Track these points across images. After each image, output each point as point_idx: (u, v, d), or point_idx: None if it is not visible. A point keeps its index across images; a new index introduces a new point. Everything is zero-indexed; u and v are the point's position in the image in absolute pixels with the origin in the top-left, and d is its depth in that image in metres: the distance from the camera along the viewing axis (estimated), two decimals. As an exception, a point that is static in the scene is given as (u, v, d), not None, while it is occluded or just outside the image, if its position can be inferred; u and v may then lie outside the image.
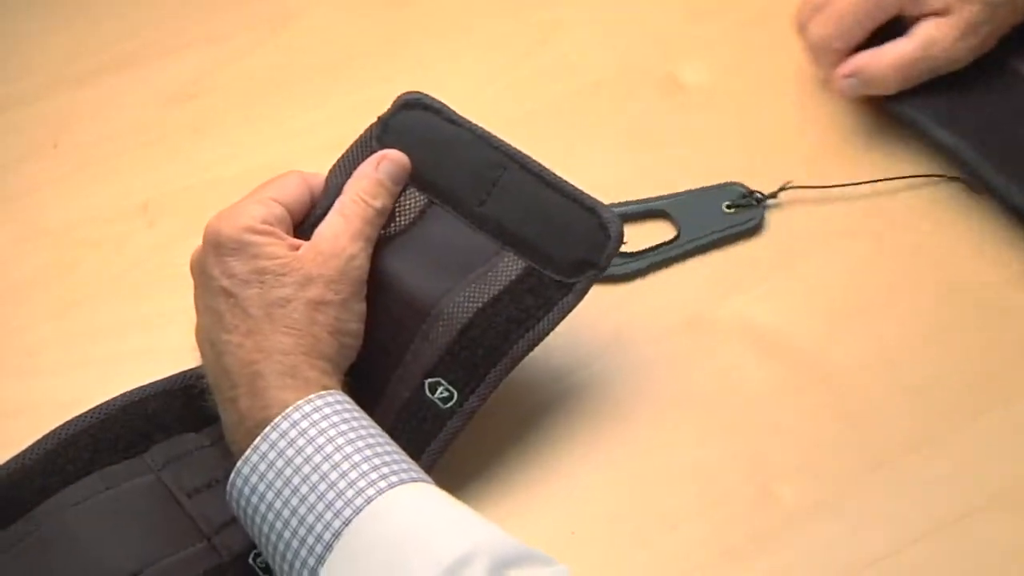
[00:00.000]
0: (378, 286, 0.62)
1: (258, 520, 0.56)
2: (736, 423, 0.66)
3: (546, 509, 0.63)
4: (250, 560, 0.59)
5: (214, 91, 0.81)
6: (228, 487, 0.57)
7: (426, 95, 0.66)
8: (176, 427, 0.64)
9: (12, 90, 0.81)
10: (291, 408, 0.56)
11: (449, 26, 0.84)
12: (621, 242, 0.63)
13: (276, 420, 0.56)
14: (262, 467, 0.55)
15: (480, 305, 0.62)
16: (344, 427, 0.56)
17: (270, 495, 0.55)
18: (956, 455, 0.64)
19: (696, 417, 0.66)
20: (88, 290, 0.73)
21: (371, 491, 0.54)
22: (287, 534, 0.54)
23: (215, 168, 0.77)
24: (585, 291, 0.63)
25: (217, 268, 0.60)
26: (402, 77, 0.77)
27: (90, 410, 0.64)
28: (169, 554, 0.59)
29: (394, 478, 0.54)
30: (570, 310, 0.62)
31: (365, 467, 0.54)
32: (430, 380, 0.61)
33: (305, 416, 0.56)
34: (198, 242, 0.63)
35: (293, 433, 0.55)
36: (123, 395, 0.65)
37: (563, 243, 0.62)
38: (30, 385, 0.69)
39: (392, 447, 0.56)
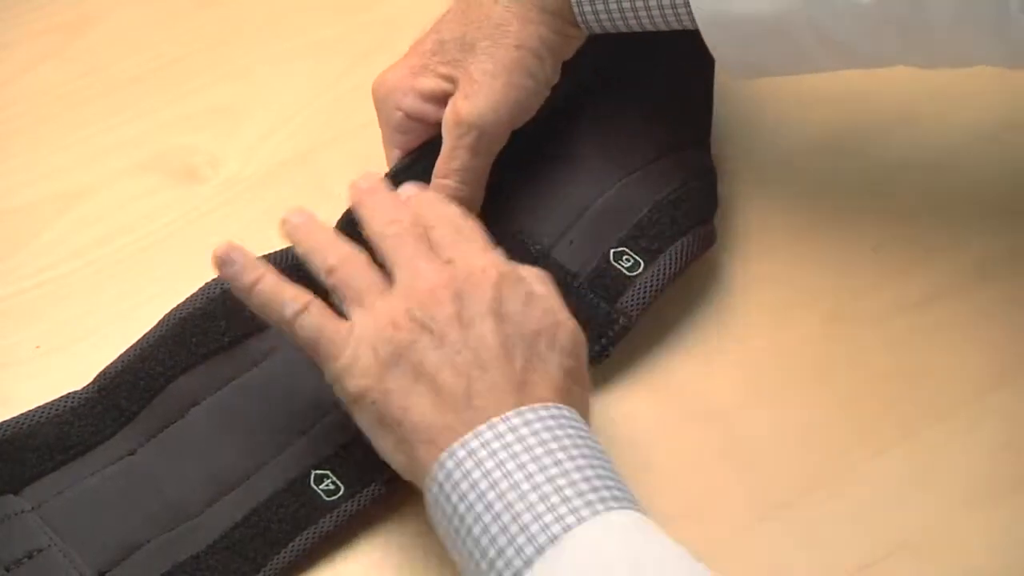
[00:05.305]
0: (285, 376, 0.62)
1: (463, 509, 0.53)
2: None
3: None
4: None
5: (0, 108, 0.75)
6: (436, 467, 0.53)
7: None
8: None
9: None
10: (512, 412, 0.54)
11: (273, 27, 0.78)
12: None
13: (493, 420, 0.53)
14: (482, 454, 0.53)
15: None
16: (556, 444, 0.53)
17: (484, 485, 0.52)
18: (854, 499, 0.61)
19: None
20: None
21: (585, 511, 0.51)
22: (495, 530, 0.52)
23: (2, 198, 0.71)
24: None
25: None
26: (223, 86, 0.76)
27: None
28: None
29: (612, 502, 0.52)
30: None
31: (583, 486, 0.52)
32: (317, 472, 0.59)
33: (526, 423, 0.53)
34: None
35: (510, 437, 0.53)
36: None
37: None
38: None
39: (609, 469, 0.54)
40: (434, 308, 0.56)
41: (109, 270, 0.68)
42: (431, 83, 0.64)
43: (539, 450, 0.52)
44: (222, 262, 0.58)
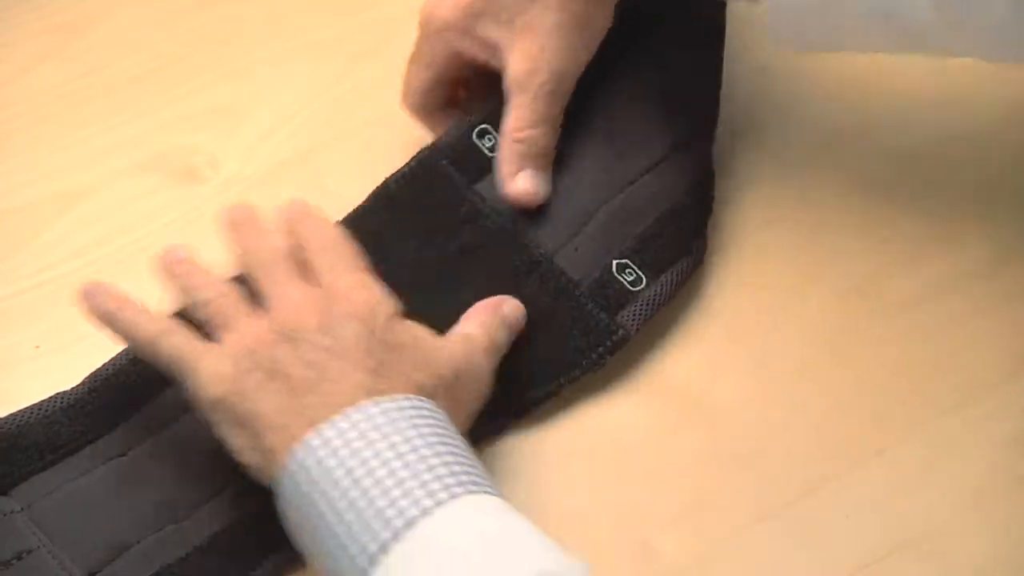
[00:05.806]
0: None
1: (317, 496, 0.52)
2: (609, 468, 0.62)
3: None
4: None
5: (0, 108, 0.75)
6: (289, 458, 0.53)
7: None
8: None
9: None
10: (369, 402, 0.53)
11: (273, 27, 0.78)
12: None
13: (348, 410, 0.53)
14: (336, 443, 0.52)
15: None
16: (414, 432, 0.53)
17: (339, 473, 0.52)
18: (854, 499, 0.60)
19: (564, 462, 0.62)
20: None
21: (443, 494, 0.51)
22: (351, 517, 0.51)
23: (2, 198, 0.71)
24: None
25: None
26: (223, 86, 0.75)
27: None
28: None
29: (471, 486, 0.52)
30: None
31: (442, 471, 0.52)
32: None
33: (384, 412, 0.53)
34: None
35: (365, 425, 0.52)
36: None
37: None
38: None
39: (468, 458, 0.54)
40: (297, 322, 0.56)
41: (109, 270, 0.67)
42: (493, 31, 0.65)
43: (396, 438, 0.52)
44: (84, 295, 0.59)
